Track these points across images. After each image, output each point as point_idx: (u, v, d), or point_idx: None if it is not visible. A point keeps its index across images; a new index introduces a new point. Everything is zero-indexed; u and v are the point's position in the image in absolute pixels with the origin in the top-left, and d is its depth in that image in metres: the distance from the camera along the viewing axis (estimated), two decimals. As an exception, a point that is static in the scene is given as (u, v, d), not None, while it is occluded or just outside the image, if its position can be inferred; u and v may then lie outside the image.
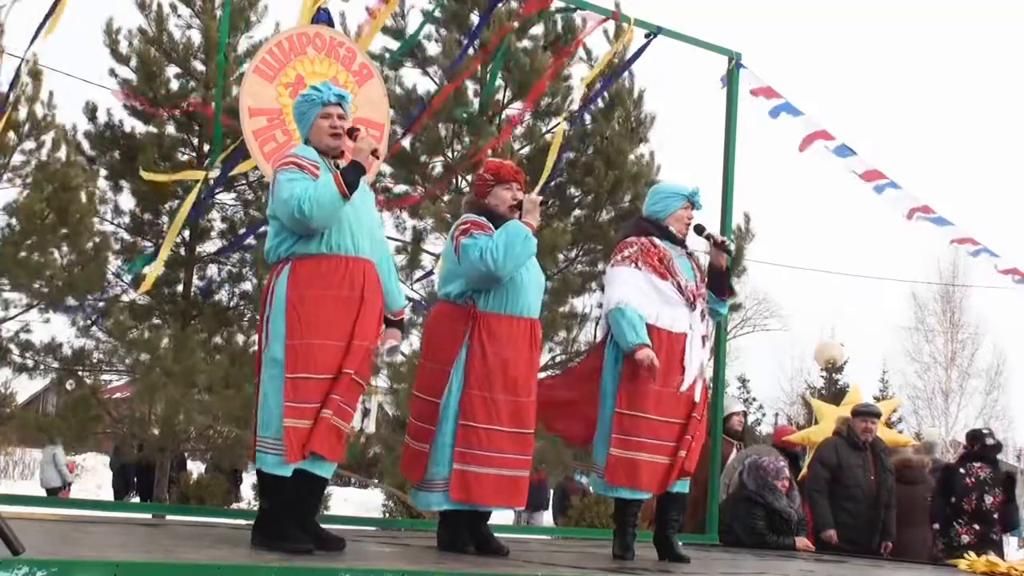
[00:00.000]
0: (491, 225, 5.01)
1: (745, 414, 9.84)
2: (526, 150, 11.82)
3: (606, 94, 11.77)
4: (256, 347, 4.72)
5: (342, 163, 4.65)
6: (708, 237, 5.72)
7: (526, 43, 11.41)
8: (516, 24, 9.86)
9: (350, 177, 4.48)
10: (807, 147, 7.97)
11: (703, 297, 5.66)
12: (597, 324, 5.82)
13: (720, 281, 5.76)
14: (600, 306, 5.97)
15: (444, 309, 5.13)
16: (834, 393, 19.58)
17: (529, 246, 4.97)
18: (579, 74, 11.93)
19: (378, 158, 4.73)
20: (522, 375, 5.03)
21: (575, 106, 12.00)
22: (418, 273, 11.70)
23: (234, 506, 14.47)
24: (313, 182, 4.42)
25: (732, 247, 5.78)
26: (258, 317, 4.64)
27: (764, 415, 33.05)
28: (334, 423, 4.43)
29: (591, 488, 5.90)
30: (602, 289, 6.32)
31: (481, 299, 5.00)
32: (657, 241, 5.59)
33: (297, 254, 4.49)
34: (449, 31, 11.35)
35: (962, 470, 8.31)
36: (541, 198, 5.23)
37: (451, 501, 4.88)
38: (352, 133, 4.71)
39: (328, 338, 4.42)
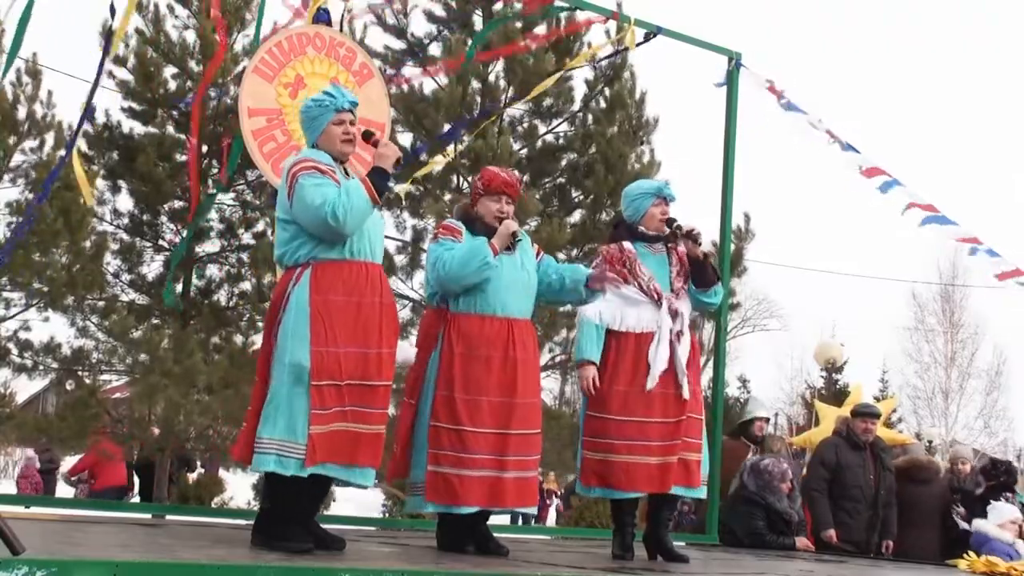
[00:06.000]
0: (463, 231, 5.00)
1: (767, 420, 9.44)
2: (525, 151, 11.83)
3: (608, 92, 11.80)
4: (258, 347, 4.69)
5: (349, 169, 4.63)
6: (678, 229, 5.63)
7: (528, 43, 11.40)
8: (519, 24, 9.87)
9: (378, 184, 4.44)
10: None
11: (679, 292, 5.59)
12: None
13: (700, 272, 5.65)
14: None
15: (427, 314, 5.20)
16: (834, 393, 19.56)
17: (484, 269, 4.88)
18: (581, 75, 11.97)
19: (399, 164, 4.63)
20: (497, 374, 4.93)
21: (576, 106, 12.03)
22: (418, 273, 11.73)
23: (234, 506, 14.44)
24: (341, 187, 4.35)
25: (700, 234, 5.62)
26: (265, 318, 4.59)
27: (764, 415, 32.92)
28: (363, 431, 4.42)
29: (577, 491, 5.90)
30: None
31: (452, 301, 4.99)
32: (626, 245, 5.59)
33: (319, 259, 4.42)
34: (451, 31, 11.36)
35: (993, 500, 8.36)
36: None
37: (426, 503, 4.87)
38: (370, 138, 4.67)
39: (356, 345, 4.40)
